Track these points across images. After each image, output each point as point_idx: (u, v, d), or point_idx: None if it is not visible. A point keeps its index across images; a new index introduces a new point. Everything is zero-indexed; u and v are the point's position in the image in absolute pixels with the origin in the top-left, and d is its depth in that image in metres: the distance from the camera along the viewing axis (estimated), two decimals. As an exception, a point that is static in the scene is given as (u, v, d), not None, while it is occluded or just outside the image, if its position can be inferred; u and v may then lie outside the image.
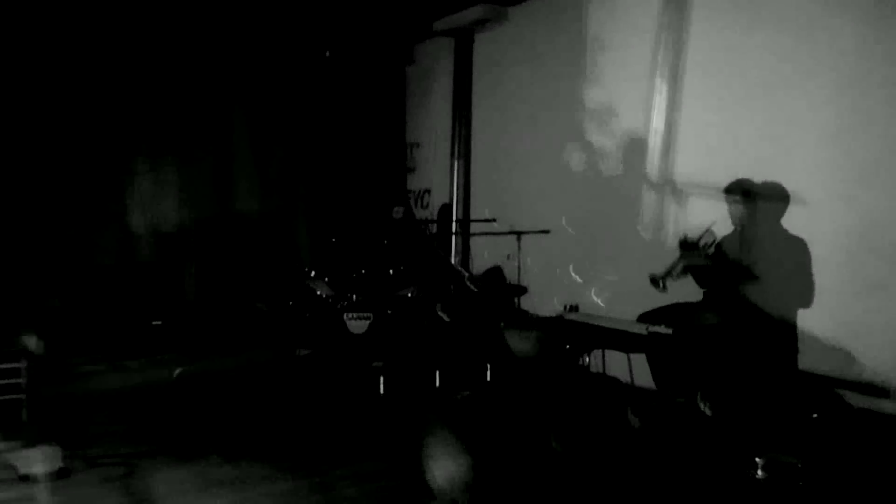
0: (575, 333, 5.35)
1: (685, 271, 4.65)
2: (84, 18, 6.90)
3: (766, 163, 4.77)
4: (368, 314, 5.90)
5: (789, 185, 4.59)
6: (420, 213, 8.47)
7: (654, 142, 5.74)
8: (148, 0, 6.92)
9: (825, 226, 4.48)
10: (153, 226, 7.55)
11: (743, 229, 4.62)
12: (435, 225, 7.89)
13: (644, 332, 4.66)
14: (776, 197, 4.48)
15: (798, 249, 4.34)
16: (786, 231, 4.46)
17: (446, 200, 7.92)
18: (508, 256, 6.14)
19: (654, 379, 4.82)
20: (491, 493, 3.81)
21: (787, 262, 4.32)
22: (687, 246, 4.62)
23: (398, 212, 6.70)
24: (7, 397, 4.53)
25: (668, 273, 4.60)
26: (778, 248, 4.39)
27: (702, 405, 4.34)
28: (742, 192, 4.59)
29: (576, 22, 6.48)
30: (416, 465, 4.14)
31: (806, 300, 4.30)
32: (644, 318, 4.75)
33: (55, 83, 6.95)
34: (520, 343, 5.32)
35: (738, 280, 4.44)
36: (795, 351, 4.30)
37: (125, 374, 6.10)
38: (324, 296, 6.17)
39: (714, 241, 4.60)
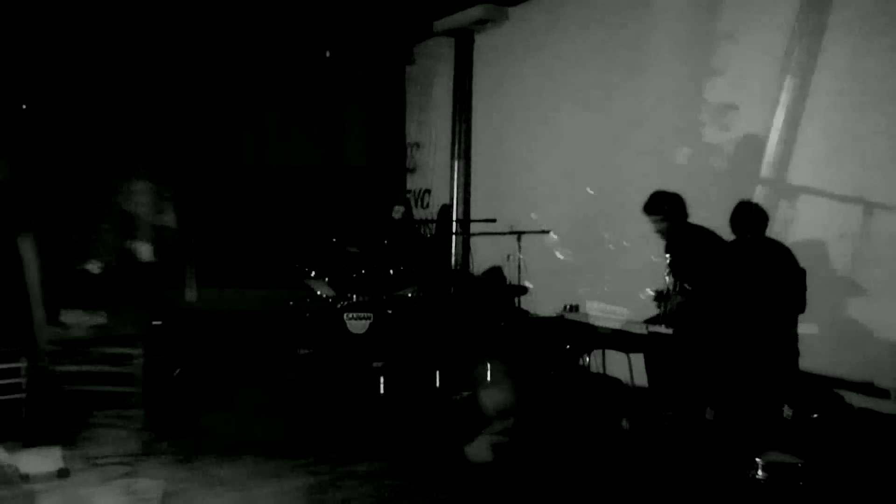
0: (575, 333, 5.35)
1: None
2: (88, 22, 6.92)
3: (771, 164, 4.77)
4: (368, 314, 5.90)
5: (794, 189, 4.59)
6: (420, 214, 8.46)
7: (656, 141, 5.75)
8: (147, 5, 6.94)
9: (826, 226, 4.48)
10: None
11: (676, 241, 4.64)
12: (434, 225, 7.89)
13: (644, 332, 4.67)
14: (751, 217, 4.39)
15: (783, 256, 4.30)
16: (767, 239, 4.40)
17: (446, 201, 7.92)
18: (508, 257, 6.14)
19: (648, 379, 4.82)
20: (492, 493, 3.81)
21: (771, 270, 4.28)
22: (661, 297, 4.70)
23: (398, 211, 6.71)
24: (7, 397, 4.53)
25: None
26: (755, 255, 4.34)
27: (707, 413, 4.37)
28: (661, 210, 4.63)
29: (576, 22, 6.48)
30: (415, 465, 4.14)
31: (797, 305, 4.26)
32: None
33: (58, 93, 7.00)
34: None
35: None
36: (796, 354, 4.29)
37: (125, 374, 6.09)
38: (324, 296, 6.17)
39: (674, 286, 4.62)
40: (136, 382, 4.81)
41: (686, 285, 4.55)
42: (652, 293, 4.79)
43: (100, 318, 5.18)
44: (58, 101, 6.99)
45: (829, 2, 4.64)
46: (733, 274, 4.29)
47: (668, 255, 4.69)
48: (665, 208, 4.66)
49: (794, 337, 4.25)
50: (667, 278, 4.65)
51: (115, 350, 4.90)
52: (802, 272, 4.21)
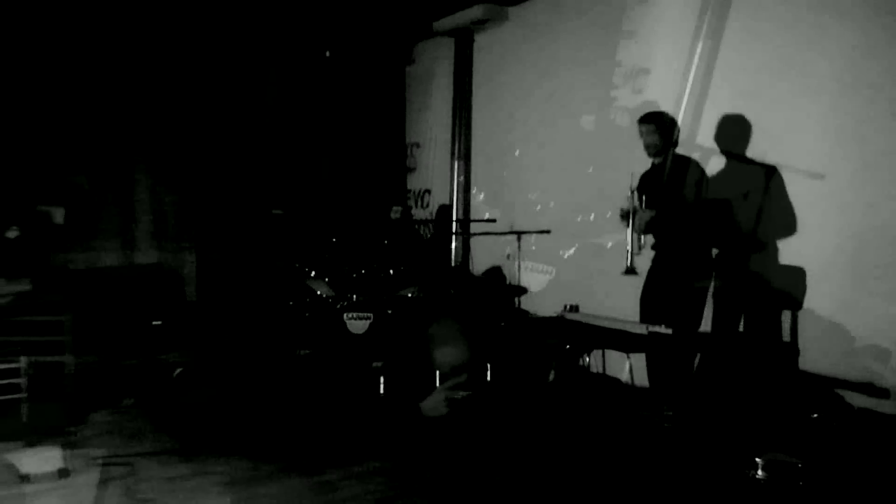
0: (575, 333, 5.35)
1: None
2: (85, 21, 6.92)
3: (771, 162, 4.77)
4: (368, 314, 5.90)
5: (792, 177, 4.62)
6: (420, 214, 8.47)
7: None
8: (148, 5, 6.94)
9: (827, 224, 4.49)
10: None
11: (662, 161, 4.70)
12: (432, 226, 7.90)
13: (644, 332, 4.67)
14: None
15: (769, 177, 4.40)
16: (752, 160, 4.53)
17: (446, 201, 7.92)
18: (508, 256, 6.14)
19: (650, 378, 4.83)
20: (491, 493, 3.81)
21: (756, 191, 4.39)
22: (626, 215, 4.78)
23: (396, 211, 6.74)
24: (7, 397, 4.52)
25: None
26: (741, 178, 4.45)
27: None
28: (656, 121, 4.73)
29: (575, 21, 6.48)
30: (415, 465, 4.14)
31: (789, 228, 4.35)
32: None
33: (56, 86, 6.98)
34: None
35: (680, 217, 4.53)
36: (796, 352, 4.30)
37: (125, 374, 6.10)
38: (324, 296, 6.17)
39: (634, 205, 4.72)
40: (67, 350, 4.65)
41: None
42: (619, 211, 4.83)
43: (23, 286, 4.98)
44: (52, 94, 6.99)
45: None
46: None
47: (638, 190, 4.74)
48: (659, 120, 4.74)
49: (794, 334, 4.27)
50: (632, 196, 4.68)
51: (43, 318, 4.67)
52: (801, 270, 4.24)
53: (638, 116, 4.91)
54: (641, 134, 4.79)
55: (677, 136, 4.82)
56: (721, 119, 4.84)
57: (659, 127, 4.74)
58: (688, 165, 4.70)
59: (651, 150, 4.78)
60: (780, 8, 4.86)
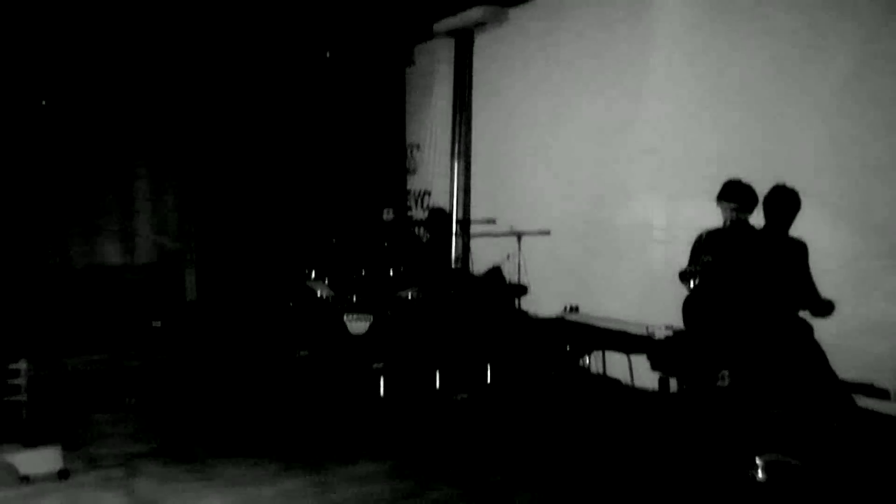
0: (575, 334, 5.35)
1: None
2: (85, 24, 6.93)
3: (771, 165, 4.76)
4: (368, 315, 5.90)
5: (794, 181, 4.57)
6: (420, 215, 8.47)
7: (655, 142, 5.75)
8: (149, 7, 6.96)
9: (827, 226, 4.48)
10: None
11: (733, 229, 4.61)
12: (425, 227, 7.89)
13: (644, 332, 4.67)
14: (781, 203, 4.36)
15: (799, 252, 4.28)
16: (788, 235, 4.41)
17: (446, 201, 7.91)
18: (508, 256, 6.14)
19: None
20: (492, 492, 3.81)
21: (787, 265, 4.27)
22: (685, 276, 4.64)
23: (388, 212, 6.74)
24: (7, 398, 4.52)
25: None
26: (778, 251, 4.35)
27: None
28: (738, 199, 4.50)
29: (575, 22, 6.49)
30: (416, 466, 4.14)
31: (806, 303, 4.25)
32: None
33: (59, 90, 7.00)
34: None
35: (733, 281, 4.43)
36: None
37: (126, 375, 6.10)
38: (324, 297, 6.17)
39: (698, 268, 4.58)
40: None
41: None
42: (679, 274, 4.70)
43: None
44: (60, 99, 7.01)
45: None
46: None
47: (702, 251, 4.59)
48: (741, 199, 4.48)
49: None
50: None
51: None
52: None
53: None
54: (722, 208, 4.55)
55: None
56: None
57: (739, 205, 4.46)
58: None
59: (726, 221, 4.53)
60: (782, 12, 4.87)
